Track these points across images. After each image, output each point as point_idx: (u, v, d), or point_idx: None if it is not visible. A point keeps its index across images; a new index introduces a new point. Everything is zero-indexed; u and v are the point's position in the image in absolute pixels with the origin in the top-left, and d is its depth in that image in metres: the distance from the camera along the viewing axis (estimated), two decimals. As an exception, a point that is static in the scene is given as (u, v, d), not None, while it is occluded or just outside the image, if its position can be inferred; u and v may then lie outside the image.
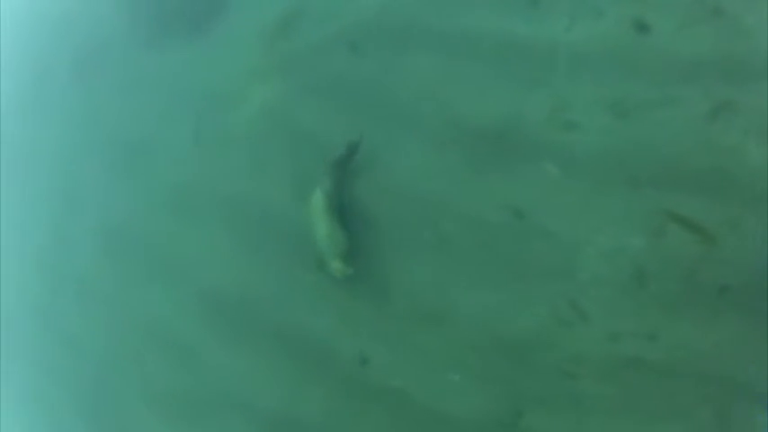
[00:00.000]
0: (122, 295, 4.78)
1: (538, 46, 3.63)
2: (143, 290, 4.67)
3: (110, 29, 5.83)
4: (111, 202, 5.15)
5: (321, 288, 3.90)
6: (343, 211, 3.93)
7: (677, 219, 2.94)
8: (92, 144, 5.52)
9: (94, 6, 6.09)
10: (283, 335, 3.93)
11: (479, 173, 3.64)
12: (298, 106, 4.48)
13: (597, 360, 2.92)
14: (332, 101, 4.36)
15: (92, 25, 6.05)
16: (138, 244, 4.84)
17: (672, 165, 3.04)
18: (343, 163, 4.02)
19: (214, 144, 4.74)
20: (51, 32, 6.50)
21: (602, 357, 2.91)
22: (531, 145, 3.51)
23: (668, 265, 2.90)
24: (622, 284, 2.97)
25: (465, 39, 3.97)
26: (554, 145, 3.42)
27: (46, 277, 5.45)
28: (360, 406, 3.55)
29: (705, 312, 2.76)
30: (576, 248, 3.17)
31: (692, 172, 2.98)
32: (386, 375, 3.52)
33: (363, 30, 4.38)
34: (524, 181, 3.48)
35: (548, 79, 3.57)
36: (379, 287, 3.72)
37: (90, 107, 5.64)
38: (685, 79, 3.15)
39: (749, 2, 3.03)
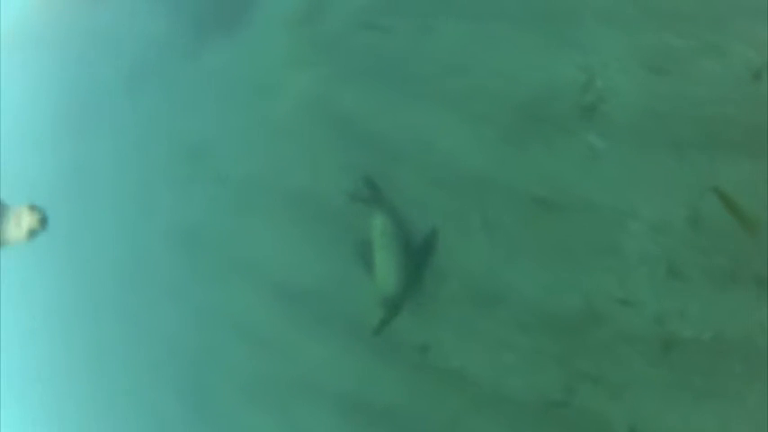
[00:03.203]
0: (204, 293, 5.13)
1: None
2: (222, 286, 4.98)
3: (150, 42, 6.02)
4: (181, 205, 5.47)
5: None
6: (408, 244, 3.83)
7: (721, 196, 2.69)
8: (154, 153, 5.83)
9: (134, 24, 6.29)
10: (352, 322, 4.10)
11: (519, 148, 3.50)
12: (333, 92, 4.46)
13: (645, 340, 2.83)
14: (365, 82, 4.30)
15: (133, 42, 6.28)
16: (212, 243, 5.14)
17: (716, 124, 2.77)
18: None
19: (266, 138, 4.87)
20: (97, 53, 6.81)
21: (650, 337, 2.81)
22: (568, 114, 3.33)
23: (712, 244, 2.70)
24: (668, 261, 2.81)
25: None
26: (591, 112, 3.23)
27: (128, 287, 5.93)
28: (424, 386, 3.68)
29: (749, 295, 2.57)
30: (622, 223, 3.03)
31: (736, 132, 2.70)
32: (446, 357, 3.60)
33: (383, 4, 4.22)
34: (565, 153, 3.32)
35: (577, 38, 3.31)
36: (434, 272, 3.74)
37: (145, 120, 5.94)
38: (726, 24, 2.80)
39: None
